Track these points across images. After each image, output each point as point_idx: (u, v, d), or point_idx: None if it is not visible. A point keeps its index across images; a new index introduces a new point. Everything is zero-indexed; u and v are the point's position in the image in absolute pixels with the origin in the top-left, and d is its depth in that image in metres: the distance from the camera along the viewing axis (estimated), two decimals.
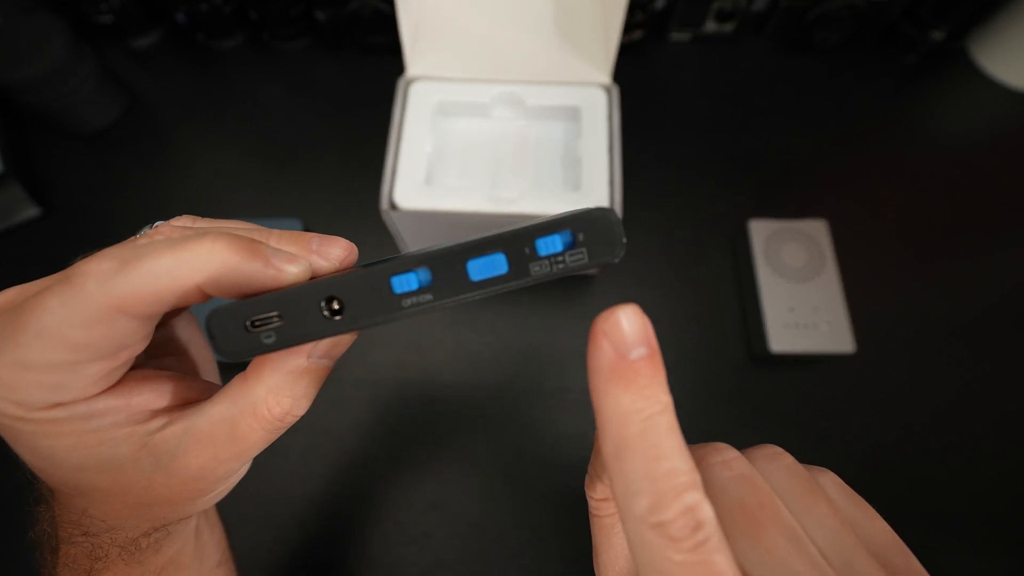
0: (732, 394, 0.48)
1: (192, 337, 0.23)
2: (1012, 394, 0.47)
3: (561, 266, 0.15)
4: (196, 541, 0.24)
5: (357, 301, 0.16)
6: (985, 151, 0.56)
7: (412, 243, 0.46)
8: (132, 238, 0.19)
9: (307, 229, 0.50)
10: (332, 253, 0.17)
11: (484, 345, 0.49)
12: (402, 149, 0.41)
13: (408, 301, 0.16)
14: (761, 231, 0.49)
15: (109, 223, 0.54)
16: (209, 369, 0.24)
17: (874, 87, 0.60)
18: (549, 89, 0.42)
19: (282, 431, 0.18)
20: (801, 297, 0.46)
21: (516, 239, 0.15)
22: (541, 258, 0.15)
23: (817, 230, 0.49)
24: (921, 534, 0.44)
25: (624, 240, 0.15)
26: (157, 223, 0.19)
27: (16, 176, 0.51)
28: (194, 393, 0.19)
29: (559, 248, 0.15)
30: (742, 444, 0.50)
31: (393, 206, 0.39)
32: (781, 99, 0.59)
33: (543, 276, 0.15)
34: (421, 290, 0.16)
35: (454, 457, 0.46)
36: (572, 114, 0.43)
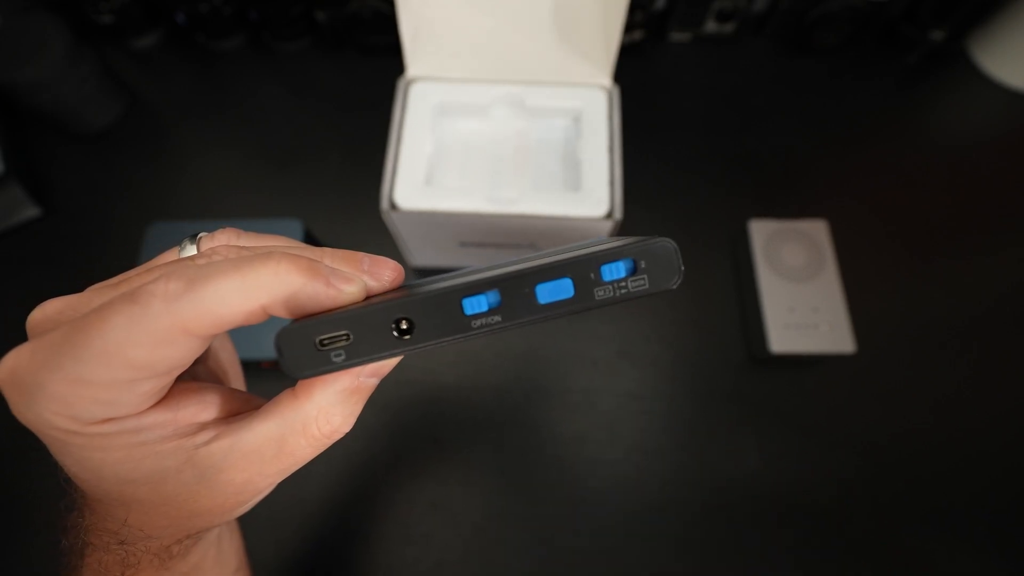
0: (732, 394, 0.48)
1: (222, 344, 0.24)
2: (1012, 394, 0.47)
3: (623, 291, 0.16)
4: (217, 547, 0.24)
5: (427, 321, 0.16)
6: (985, 151, 0.56)
7: (412, 243, 0.46)
8: (174, 250, 0.19)
9: (308, 230, 0.50)
10: (383, 275, 0.18)
11: (485, 346, 0.49)
12: (402, 149, 0.41)
13: (477, 322, 0.16)
14: (761, 231, 0.49)
15: (109, 223, 0.54)
16: (235, 374, 0.24)
17: (874, 87, 0.60)
18: (549, 90, 0.42)
19: (326, 447, 0.18)
20: (801, 297, 0.46)
21: (583, 265, 0.16)
22: (605, 283, 0.16)
23: (817, 230, 0.49)
24: (921, 534, 0.44)
25: (682, 268, 0.16)
26: (201, 234, 0.19)
27: (16, 176, 0.51)
28: (236, 404, 0.19)
29: (622, 274, 0.16)
30: (742, 444, 0.50)
31: (393, 206, 0.39)
32: (781, 99, 0.59)
33: (606, 301, 0.16)
34: (491, 311, 0.16)
35: (456, 458, 0.46)
36: (572, 115, 0.43)
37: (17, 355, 0.16)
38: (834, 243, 0.49)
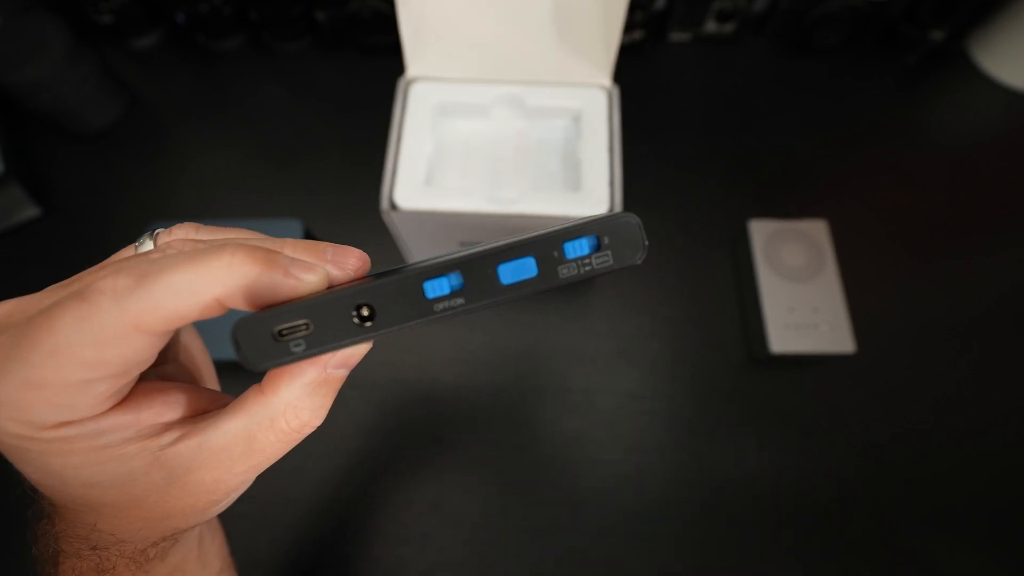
0: (732, 394, 0.48)
1: (192, 343, 0.23)
2: (1012, 394, 0.47)
3: (588, 268, 0.16)
4: (199, 548, 0.24)
5: (388, 307, 0.16)
6: (985, 151, 0.56)
7: (412, 243, 0.46)
8: (130, 247, 0.19)
9: (308, 230, 0.50)
10: (347, 263, 0.17)
11: (482, 345, 0.49)
12: (402, 149, 0.41)
13: (440, 305, 0.16)
14: (761, 231, 0.49)
15: (109, 223, 0.54)
16: (208, 374, 0.24)
17: (874, 87, 0.60)
18: (549, 90, 0.42)
19: (298, 442, 0.18)
20: (801, 297, 0.46)
21: (545, 243, 0.16)
22: (569, 261, 0.16)
23: (817, 230, 0.49)
24: (921, 534, 0.44)
25: (646, 243, 0.16)
26: (157, 230, 0.19)
27: (16, 176, 0.51)
28: (203, 403, 0.19)
29: (586, 251, 0.16)
30: (742, 444, 0.50)
31: (393, 206, 0.39)
32: (781, 99, 0.59)
33: (570, 278, 0.16)
34: (453, 294, 0.16)
35: (453, 458, 0.46)
36: (572, 115, 0.43)
37: None
38: (834, 243, 0.49)
